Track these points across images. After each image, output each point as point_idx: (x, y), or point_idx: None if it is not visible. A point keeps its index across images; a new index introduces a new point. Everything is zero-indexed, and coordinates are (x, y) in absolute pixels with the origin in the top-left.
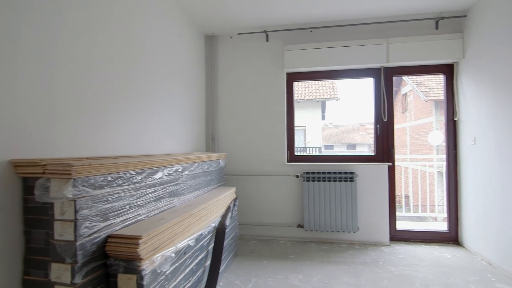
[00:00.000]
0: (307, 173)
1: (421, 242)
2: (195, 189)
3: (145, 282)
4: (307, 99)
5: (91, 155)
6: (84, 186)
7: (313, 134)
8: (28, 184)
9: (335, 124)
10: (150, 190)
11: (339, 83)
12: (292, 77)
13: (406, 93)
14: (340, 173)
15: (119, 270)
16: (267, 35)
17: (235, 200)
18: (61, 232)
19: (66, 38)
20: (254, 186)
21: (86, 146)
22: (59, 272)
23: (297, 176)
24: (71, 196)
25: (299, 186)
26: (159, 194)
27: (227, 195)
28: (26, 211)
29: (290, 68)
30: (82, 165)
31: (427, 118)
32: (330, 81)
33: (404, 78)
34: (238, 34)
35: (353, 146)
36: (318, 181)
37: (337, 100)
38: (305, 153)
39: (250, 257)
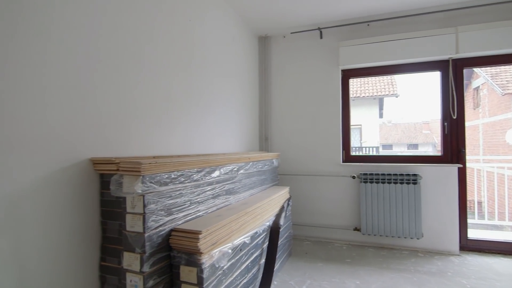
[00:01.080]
0: (364, 174)
1: (498, 253)
2: (250, 188)
3: (204, 275)
4: (363, 96)
5: (156, 154)
6: (151, 182)
7: (370, 133)
8: (104, 180)
9: (394, 122)
10: (208, 187)
11: (399, 78)
12: (348, 74)
13: (479, 87)
14: (401, 174)
15: (181, 262)
16: (321, 32)
17: (288, 200)
18: (132, 224)
19: (135, 47)
20: (307, 186)
21: (152, 146)
22: (130, 260)
23: (354, 177)
24: (140, 191)
25: (356, 188)
26: (217, 192)
27: (281, 195)
28: (102, 204)
29: (345, 64)
30: (150, 164)
31: (504, 114)
32: (389, 77)
33: (476, 70)
34: (291, 33)
35: (415, 146)
36: (377, 182)
37: (396, 97)
38: (361, 153)
39: (304, 258)
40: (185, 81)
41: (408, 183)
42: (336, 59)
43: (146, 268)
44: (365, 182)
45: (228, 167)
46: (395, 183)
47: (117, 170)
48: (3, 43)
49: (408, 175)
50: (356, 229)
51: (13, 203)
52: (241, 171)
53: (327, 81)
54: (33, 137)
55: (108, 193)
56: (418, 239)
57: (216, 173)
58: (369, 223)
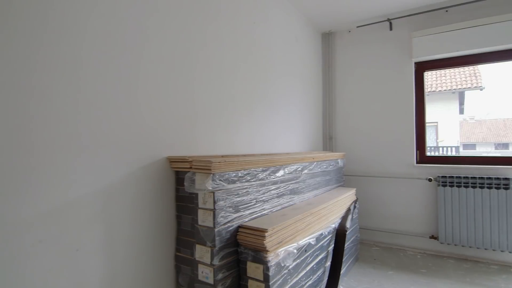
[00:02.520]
0: (443, 176)
1: None
2: (314, 188)
3: (270, 273)
4: (440, 90)
5: (223, 153)
6: (220, 180)
7: (448, 131)
8: (179, 177)
9: (478, 118)
10: (273, 187)
11: (484, 69)
12: (422, 67)
13: None
14: (489, 178)
15: (248, 258)
16: (390, 23)
17: (355, 202)
18: (203, 219)
19: (204, 52)
20: (376, 188)
21: (219, 145)
22: (201, 253)
23: (430, 180)
24: (211, 188)
25: (432, 191)
26: (281, 191)
27: (347, 196)
28: (177, 199)
29: (419, 56)
30: (219, 162)
31: None
32: (471, 68)
33: None
34: (357, 27)
35: (504, 146)
36: (458, 186)
37: (481, 90)
38: (437, 154)
39: (372, 264)
40: (249, 82)
41: (498, 188)
42: (408, 51)
43: (216, 261)
44: (444, 185)
45: (292, 167)
46: (482, 187)
47: (190, 168)
48: (113, 59)
49: (497, 178)
50: (432, 237)
51: (108, 196)
52: (305, 171)
53: (398, 76)
54: (124, 137)
55: (183, 189)
56: (510, 252)
57: (281, 173)
58: (448, 231)
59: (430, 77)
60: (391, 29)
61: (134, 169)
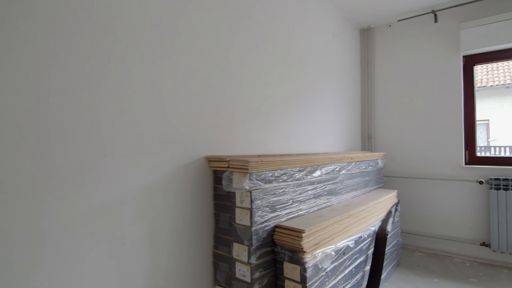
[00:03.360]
0: (497, 179)
1: None
2: (352, 189)
3: (307, 274)
4: (491, 85)
5: (260, 152)
6: (257, 180)
7: (500, 129)
8: (217, 176)
9: None
10: (310, 187)
11: None
12: (471, 60)
13: None
14: None
15: (285, 258)
16: (435, 15)
17: (396, 204)
18: (241, 218)
19: (241, 54)
20: (419, 190)
21: (256, 144)
22: (239, 251)
23: (481, 183)
24: (248, 187)
25: (484, 195)
26: (318, 191)
27: (388, 199)
28: (215, 197)
29: (468, 49)
30: (256, 162)
31: None
32: None
33: None
34: (399, 21)
35: None
36: None
37: None
38: (488, 154)
39: (415, 271)
40: (284, 82)
41: None
42: (456, 44)
43: (253, 260)
44: (498, 188)
45: (329, 167)
46: None
47: (228, 167)
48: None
49: None
50: (483, 244)
51: (151, 194)
52: (343, 172)
53: (444, 71)
54: (166, 138)
55: (220, 187)
56: None
57: (317, 173)
58: (502, 238)
59: (480, 71)
60: (436, 21)
61: (175, 168)
